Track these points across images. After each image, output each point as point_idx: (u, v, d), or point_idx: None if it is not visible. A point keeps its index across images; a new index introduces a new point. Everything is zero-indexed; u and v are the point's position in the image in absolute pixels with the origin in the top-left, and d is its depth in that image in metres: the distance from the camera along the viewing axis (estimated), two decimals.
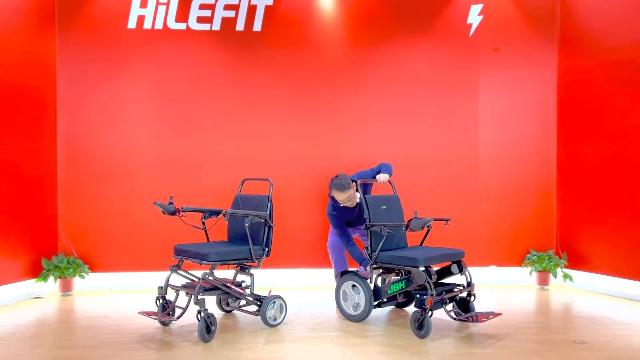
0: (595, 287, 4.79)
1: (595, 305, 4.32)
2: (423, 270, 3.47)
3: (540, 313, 4.12)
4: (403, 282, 3.61)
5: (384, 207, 3.92)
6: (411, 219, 3.43)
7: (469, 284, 3.68)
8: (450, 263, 3.72)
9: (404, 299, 3.96)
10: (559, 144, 5.04)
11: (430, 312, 3.39)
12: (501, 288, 4.94)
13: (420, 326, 3.39)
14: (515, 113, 5.05)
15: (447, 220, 3.87)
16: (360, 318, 3.74)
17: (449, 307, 3.56)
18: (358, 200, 4.07)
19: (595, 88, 4.72)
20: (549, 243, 5.06)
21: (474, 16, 5.01)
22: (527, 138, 5.05)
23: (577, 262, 4.91)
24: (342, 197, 3.96)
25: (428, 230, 3.81)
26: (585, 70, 4.80)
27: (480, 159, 5.02)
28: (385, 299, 3.79)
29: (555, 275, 4.88)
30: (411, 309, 4.10)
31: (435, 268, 3.71)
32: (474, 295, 3.69)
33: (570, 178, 4.94)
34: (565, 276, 4.90)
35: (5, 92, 4.28)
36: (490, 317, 3.49)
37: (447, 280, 3.80)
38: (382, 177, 4.07)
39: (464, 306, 3.68)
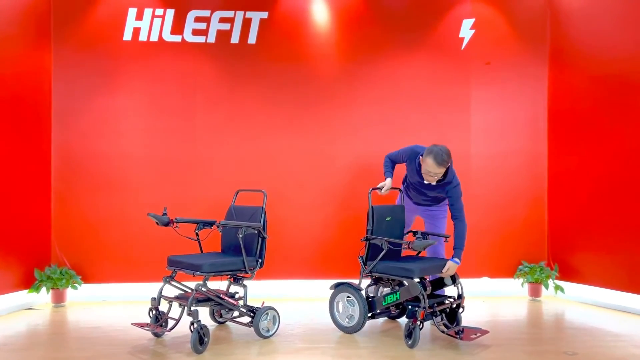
0: (586, 299, 4.82)
1: (587, 316, 4.35)
2: (418, 282, 3.48)
3: (531, 324, 4.14)
4: (397, 293, 3.61)
5: (388, 218, 3.87)
6: (414, 239, 3.44)
7: (460, 296, 3.70)
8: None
9: (397, 311, 3.96)
10: (550, 157, 5.10)
11: (421, 325, 3.41)
12: (493, 299, 4.97)
13: (409, 335, 3.41)
14: (507, 126, 5.11)
15: (446, 237, 3.88)
16: (354, 330, 3.75)
17: (438, 319, 3.56)
18: (434, 183, 3.77)
19: (586, 101, 4.78)
20: (540, 255, 5.09)
21: (466, 30, 5.08)
22: (518, 151, 5.11)
23: (569, 273, 4.94)
24: (431, 169, 3.61)
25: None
26: (575, 84, 4.87)
27: (472, 172, 5.07)
28: (379, 311, 3.80)
29: (546, 287, 4.91)
30: (403, 320, 4.12)
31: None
32: (463, 308, 3.71)
33: (562, 190, 4.99)
34: (557, 288, 4.93)
35: (0, 103, 4.29)
36: (478, 334, 3.50)
37: (439, 291, 3.82)
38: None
39: (452, 317, 3.70)
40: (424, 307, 3.40)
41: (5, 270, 4.35)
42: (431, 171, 3.65)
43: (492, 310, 4.60)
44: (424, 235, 3.92)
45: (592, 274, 4.76)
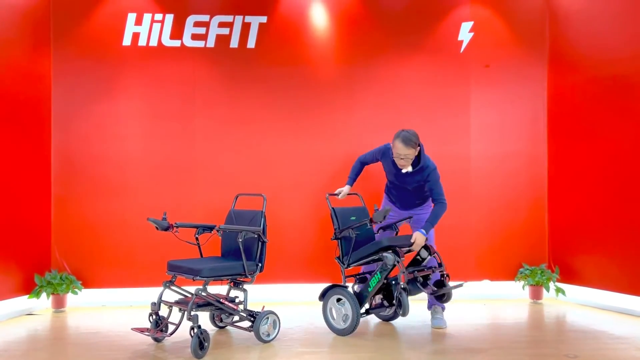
0: (587, 301, 4.81)
1: (588, 319, 4.34)
2: (390, 253, 3.60)
3: (532, 327, 4.13)
4: (377, 273, 3.69)
5: (353, 217, 4.04)
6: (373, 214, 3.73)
7: (440, 265, 3.76)
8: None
9: (389, 305, 3.91)
10: (550, 159, 5.10)
11: (405, 291, 3.50)
12: (494, 302, 4.96)
13: (399, 305, 3.51)
14: (506, 128, 5.11)
15: (409, 218, 4.05)
16: (352, 327, 3.74)
17: (427, 288, 3.69)
18: (410, 170, 3.90)
19: (585, 103, 4.79)
20: (541, 257, 5.09)
21: (465, 33, 5.09)
22: (518, 153, 5.11)
23: (570, 276, 4.94)
24: (400, 150, 3.77)
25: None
26: (574, 86, 4.88)
27: (472, 174, 5.07)
28: (371, 305, 3.86)
29: (547, 289, 4.90)
30: (398, 322, 4.12)
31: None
32: (448, 276, 3.76)
33: (562, 192, 4.99)
34: (558, 290, 4.92)
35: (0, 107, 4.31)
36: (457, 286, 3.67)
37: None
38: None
39: (441, 287, 3.76)
40: (403, 272, 3.52)
41: (5, 276, 4.35)
42: (401, 153, 3.79)
43: (493, 313, 4.59)
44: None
45: (593, 276, 4.75)
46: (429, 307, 4.17)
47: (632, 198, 4.39)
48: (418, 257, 3.83)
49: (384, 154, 4.06)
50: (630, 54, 4.43)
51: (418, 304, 4.83)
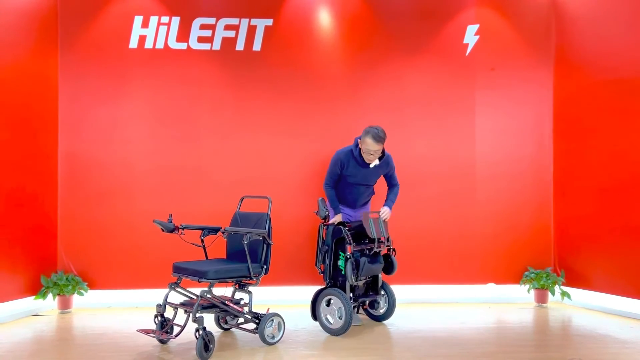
0: (593, 305, 4.79)
1: (593, 323, 4.32)
2: (336, 224, 4.02)
3: (538, 331, 4.12)
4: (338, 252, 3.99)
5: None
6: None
7: (388, 239, 4.15)
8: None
9: (373, 294, 4.20)
10: (556, 162, 5.08)
11: (351, 260, 3.87)
12: (499, 306, 4.95)
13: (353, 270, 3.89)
14: (512, 132, 5.10)
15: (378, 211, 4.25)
16: (349, 317, 3.78)
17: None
18: (377, 163, 4.18)
19: (591, 107, 4.77)
20: (546, 261, 5.07)
21: (470, 36, 5.09)
22: (523, 156, 5.10)
23: (575, 279, 4.92)
24: (371, 147, 4.00)
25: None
26: (580, 89, 4.87)
27: (477, 177, 5.06)
28: (350, 286, 3.96)
29: (553, 293, 4.89)
30: (402, 326, 4.11)
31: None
32: (394, 250, 4.17)
33: (567, 196, 4.98)
34: (563, 294, 4.90)
35: (6, 110, 4.33)
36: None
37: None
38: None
39: (390, 263, 4.16)
40: (349, 243, 3.90)
41: (12, 277, 4.38)
42: (371, 149, 4.02)
43: (498, 316, 4.58)
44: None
45: (598, 280, 4.73)
46: None
47: (638, 202, 4.37)
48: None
49: (347, 157, 4.20)
50: (637, 58, 4.42)
51: (420, 308, 4.84)
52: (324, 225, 4.12)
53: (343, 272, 3.94)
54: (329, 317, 3.93)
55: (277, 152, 5.00)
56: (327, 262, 4.02)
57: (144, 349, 3.50)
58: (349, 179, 4.27)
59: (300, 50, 5.05)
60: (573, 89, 4.93)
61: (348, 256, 3.90)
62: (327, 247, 4.03)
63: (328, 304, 3.92)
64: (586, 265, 4.83)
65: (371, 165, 4.17)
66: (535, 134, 5.12)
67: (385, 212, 4.21)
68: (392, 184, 4.40)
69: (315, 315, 4.01)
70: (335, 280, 4.03)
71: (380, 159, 4.18)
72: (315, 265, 4.15)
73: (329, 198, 4.33)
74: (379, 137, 3.99)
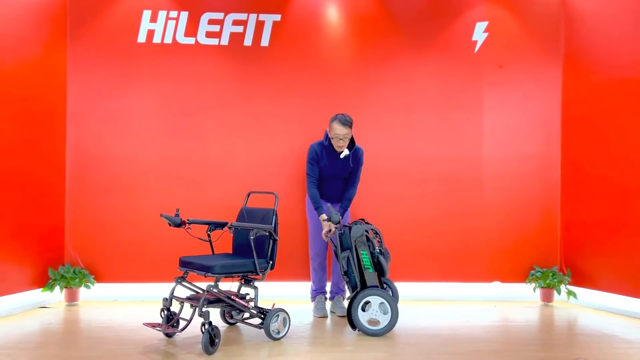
0: (599, 305, 4.78)
1: (599, 322, 4.31)
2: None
3: (543, 330, 4.11)
4: (359, 250, 3.88)
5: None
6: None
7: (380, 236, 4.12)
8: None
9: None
10: (563, 161, 5.06)
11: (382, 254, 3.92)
12: (504, 304, 4.94)
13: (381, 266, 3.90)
14: (520, 130, 5.08)
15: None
16: (396, 311, 3.76)
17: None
18: (347, 152, 4.27)
19: (600, 106, 4.74)
20: (553, 259, 5.06)
21: (479, 33, 5.07)
22: (531, 154, 5.08)
23: (581, 279, 4.90)
24: (339, 131, 4.12)
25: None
26: (589, 88, 4.83)
27: (484, 175, 5.04)
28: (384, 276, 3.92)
29: (559, 292, 4.87)
30: (407, 323, 4.11)
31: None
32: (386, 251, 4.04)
33: (575, 195, 4.95)
34: (569, 293, 4.89)
35: (15, 103, 4.35)
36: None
37: None
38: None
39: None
40: (376, 236, 4.01)
41: (20, 269, 4.41)
42: (340, 134, 4.14)
43: (504, 314, 4.57)
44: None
45: (605, 280, 4.71)
46: (332, 298, 4.54)
47: None
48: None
49: (319, 149, 4.30)
50: None
51: (425, 305, 4.84)
52: (339, 231, 4.00)
53: (371, 270, 3.84)
54: (372, 318, 3.79)
55: (284, 147, 5.00)
56: (353, 265, 3.86)
57: (149, 342, 3.53)
58: (323, 172, 4.34)
59: (308, 46, 5.04)
60: (582, 87, 4.90)
61: (377, 251, 3.88)
62: (348, 250, 3.90)
63: (364, 308, 3.78)
64: (593, 265, 4.81)
65: (342, 155, 4.26)
66: (543, 132, 5.09)
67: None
68: (353, 179, 4.41)
69: (353, 324, 3.81)
70: (363, 282, 3.87)
71: (350, 149, 4.28)
72: (346, 275, 3.95)
73: (313, 198, 4.28)
74: (346, 121, 4.14)
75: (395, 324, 3.76)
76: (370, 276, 3.85)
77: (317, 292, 4.54)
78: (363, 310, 3.78)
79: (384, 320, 3.76)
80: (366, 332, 3.76)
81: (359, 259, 3.87)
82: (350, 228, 3.92)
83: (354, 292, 3.85)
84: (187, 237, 3.74)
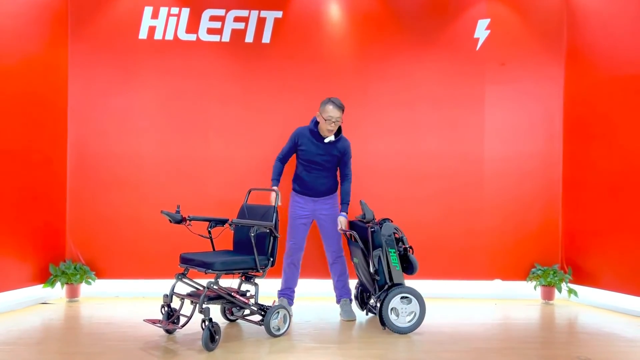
0: (600, 303, 4.77)
1: (600, 321, 4.31)
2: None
3: (544, 328, 4.11)
4: (387, 249, 3.85)
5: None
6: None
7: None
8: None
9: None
10: (565, 159, 5.05)
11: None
12: (505, 302, 4.94)
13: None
14: (521, 127, 5.07)
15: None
16: (423, 306, 3.79)
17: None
18: (333, 139, 4.17)
19: (602, 103, 4.73)
20: (554, 258, 5.05)
21: (481, 31, 5.05)
22: (532, 152, 5.06)
23: (582, 277, 4.90)
24: (333, 114, 4.06)
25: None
26: (592, 86, 4.82)
27: (486, 173, 5.04)
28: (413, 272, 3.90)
29: (559, 290, 4.87)
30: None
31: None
32: (411, 247, 3.93)
33: (576, 193, 4.94)
34: (570, 291, 4.88)
35: (16, 99, 4.35)
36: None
37: None
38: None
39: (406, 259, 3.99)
40: (402, 236, 3.97)
41: (21, 265, 4.42)
42: (333, 116, 4.07)
43: (504, 312, 4.57)
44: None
45: (606, 278, 4.71)
46: (338, 301, 4.36)
47: None
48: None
49: (301, 135, 4.22)
50: None
51: (426, 302, 4.84)
52: (371, 228, 3.92)
53: (398, 268, 3.84)
54: (401, 317, 3.78)
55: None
56: (384, 263, 3.83)
57: (150, 338, 3.53)
58: (302, 155, 4.20)
59: (309, 43, 5.03)
60: (584, 85, 4.89)
61: (403, 250, 3.89)
62: (380, 249, 3.85)
63: (403, 299, 3.78)
64: (594, 263, 4.80)
65: (326, 140, 4.14)
66: (545, 130, 5.08)
67: (341, 224, 4.19)
68: (344, 172, 4.29)
69: (384, 323, 3.78)
70: (392, 281, 3.84)
71: (336, 135, 4.19)
72: (377, 274, 3.89)
73: (274, 170, 4.26)
74: (340, 104, 4.10)
75: (423, 319, 3.78)
76: (398, 274, 3.84)
77: (283, 293, 4.38)
78: (392, 309, 3.76)
79: (412, 318, 3.79)
80: (394, 330, 3.75)
81: (387, 257, 3.84)
82: (381, 226, 3.89)
83: (382, 290, 3.83)
84: (187, 234, 3.74)
